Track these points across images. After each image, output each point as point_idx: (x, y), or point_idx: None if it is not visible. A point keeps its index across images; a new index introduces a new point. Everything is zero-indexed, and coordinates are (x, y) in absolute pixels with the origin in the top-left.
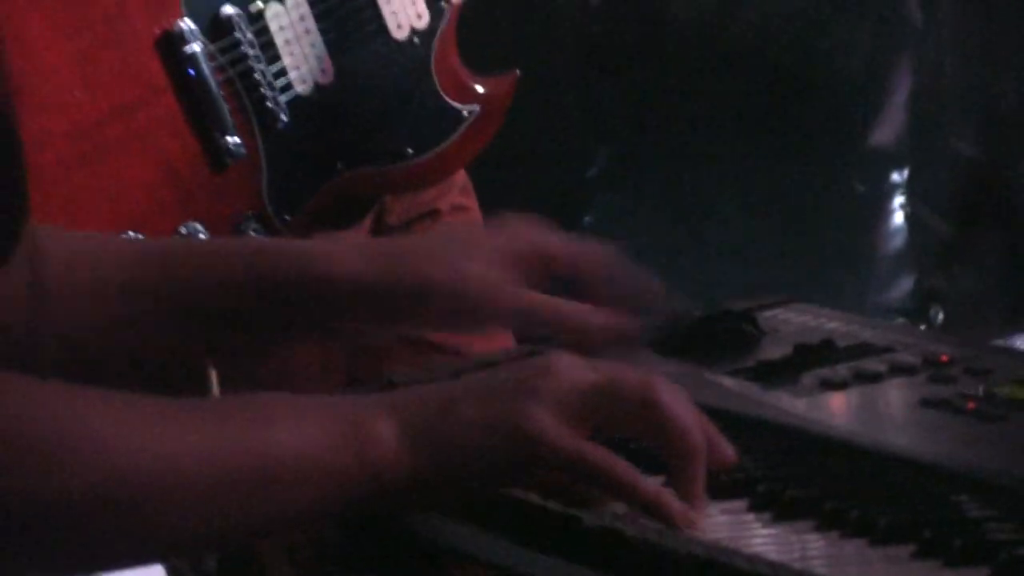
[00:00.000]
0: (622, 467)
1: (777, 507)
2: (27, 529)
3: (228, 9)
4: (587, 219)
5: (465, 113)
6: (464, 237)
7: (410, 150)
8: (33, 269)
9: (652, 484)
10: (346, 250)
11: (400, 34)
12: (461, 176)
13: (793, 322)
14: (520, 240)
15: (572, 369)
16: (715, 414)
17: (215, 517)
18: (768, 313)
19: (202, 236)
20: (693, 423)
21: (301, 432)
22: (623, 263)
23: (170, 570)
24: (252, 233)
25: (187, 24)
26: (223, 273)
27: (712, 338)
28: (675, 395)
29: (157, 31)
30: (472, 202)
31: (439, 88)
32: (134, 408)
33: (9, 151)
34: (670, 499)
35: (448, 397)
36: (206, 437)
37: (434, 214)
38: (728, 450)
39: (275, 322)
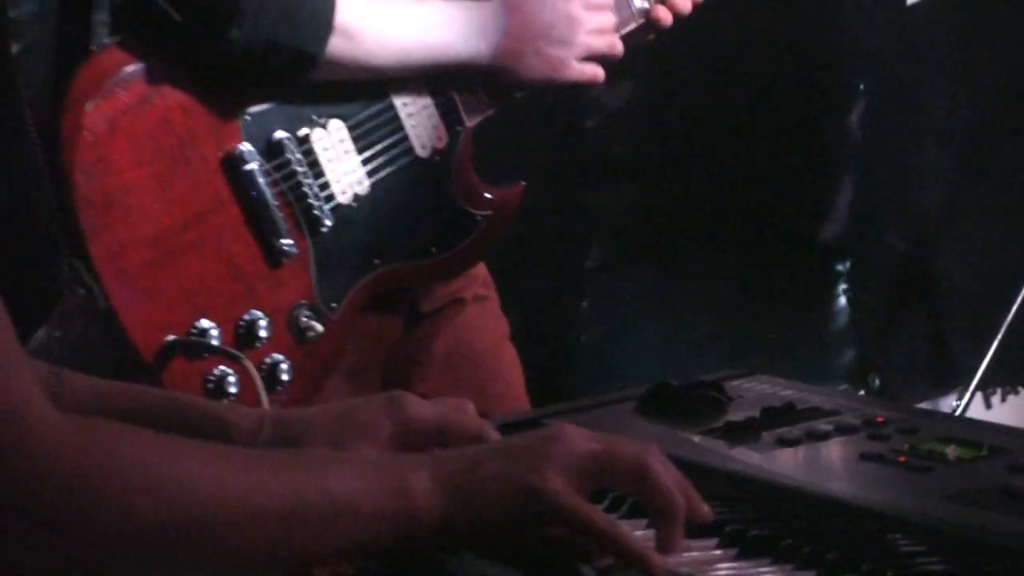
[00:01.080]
0: (615, 527)
1: (741, 545)
2: (115, 552)
3: (280, 134)
4: (584, 304)
5: (479, 218)
6: (353, 419)
7: (433, 249)
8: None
9: (638, 541)
10: (249, 423)
11: (424, 153)
12: (482, 271)
13: (755, 390)
14: (399, 419)
15: (577, 438)
16: (689, 467)
17: (274, 546)
18: (734, 383)
19: (263, 322)
20: (675, 489)
21: (350, 480)
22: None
23: None
24: (304, 318)
25: (246, 147)
26: (157, 419)
27: (688, 403)
28: (662, 463)
29: (221, 153)
30: (492, 293)
31: (457, 197)
32: (210, 454)
33: (56, 233)
34: (652, 554)
35: (475, 457)
36: (270, 481)
37: (460, 302)
38: (704, 509)
39: None
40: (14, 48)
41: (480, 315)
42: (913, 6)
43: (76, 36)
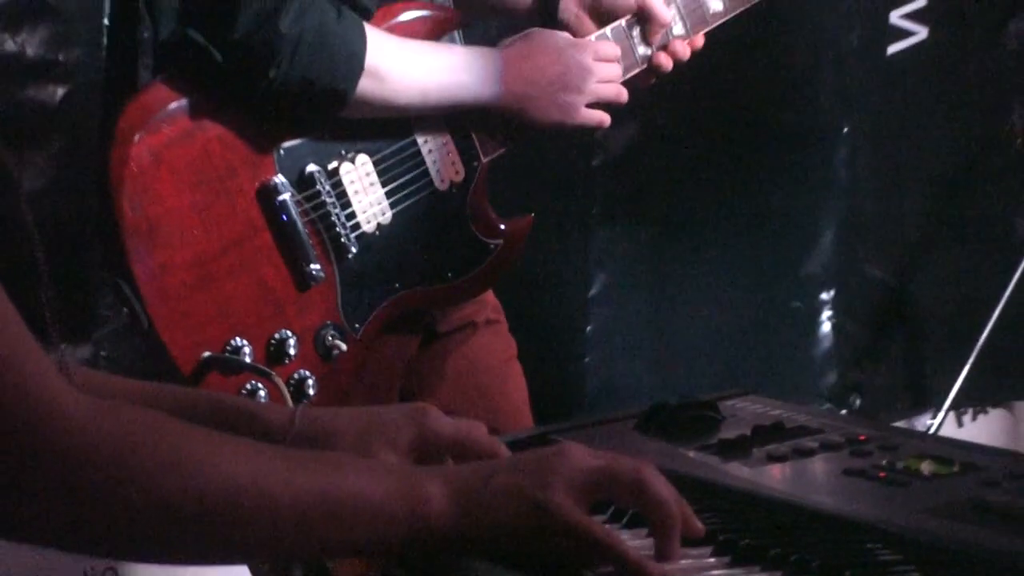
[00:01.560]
0: (614, 538)
1: (733, 553)
2: (142, 528)
3: (311, 167)
4: (588, 328)
5: (492, 246)
6: (378, 423)
7: (450, 274)
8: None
9: (635, 552)
10: (280, 418)
11: (442, 186)
12: (492, 297)
13: (746, 409)
14: (420, 427)
15: (581, 455)
16: (685, 481)
17: (287, 534)
18: (727, 402)
19: (292, 341)
20: (672, 503)
21: (370, 483)
22: (485, 439)
23: (254, 571)
24: (330, 337)
25: (280, 179)
26: (192, 415)
27: (684, 421)
28: (659, 479)
29: (257, 184)
30: (501, 317)
31: (472, 227)
32: (237, 444)
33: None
34: (649, 564)
35: (487, 471)
36: (288, 473)
37: (472, 325)
38: (698, 525)
39: None
40: (64, 89)
41: (490, 337)
42: (893, 56)
43: (123, 80)
